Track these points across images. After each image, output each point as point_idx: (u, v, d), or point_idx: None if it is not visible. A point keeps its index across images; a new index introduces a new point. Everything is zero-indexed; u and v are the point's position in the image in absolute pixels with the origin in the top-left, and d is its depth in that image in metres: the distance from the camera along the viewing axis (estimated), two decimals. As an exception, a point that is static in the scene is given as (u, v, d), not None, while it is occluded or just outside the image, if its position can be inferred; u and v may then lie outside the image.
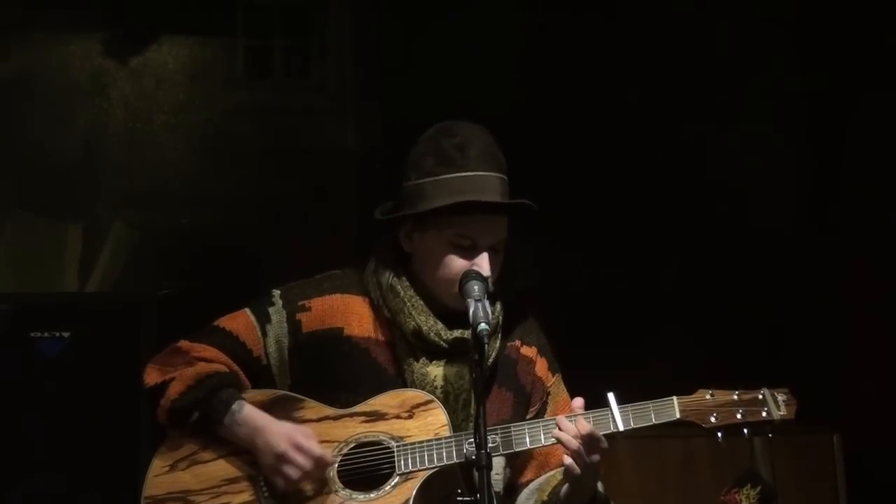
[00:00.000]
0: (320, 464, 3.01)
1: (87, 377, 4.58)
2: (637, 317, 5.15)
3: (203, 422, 3.09)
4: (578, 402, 3.04)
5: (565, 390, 3.26)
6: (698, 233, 5.26)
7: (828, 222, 5.39)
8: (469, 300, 2.94)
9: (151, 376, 3.13)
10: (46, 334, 4.59)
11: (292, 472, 3.02)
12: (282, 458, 3.02)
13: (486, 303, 2.95)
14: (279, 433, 3.04)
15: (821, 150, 5.42)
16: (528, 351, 3.23)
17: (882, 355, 5.08)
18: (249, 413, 3.08)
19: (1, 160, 5.19)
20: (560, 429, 2.98)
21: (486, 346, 2.88)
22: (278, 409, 3.09)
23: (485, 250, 3.08)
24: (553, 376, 3.26)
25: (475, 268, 3.06)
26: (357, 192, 5.20)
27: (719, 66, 5.28)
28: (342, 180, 5.33)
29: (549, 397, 3.23)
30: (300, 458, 3.01)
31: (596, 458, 2.97)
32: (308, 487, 3.04)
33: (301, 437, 3.03)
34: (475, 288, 2.96)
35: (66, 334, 4.61)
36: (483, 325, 2.86)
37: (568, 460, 2.98)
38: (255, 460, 3.08)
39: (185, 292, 4.88)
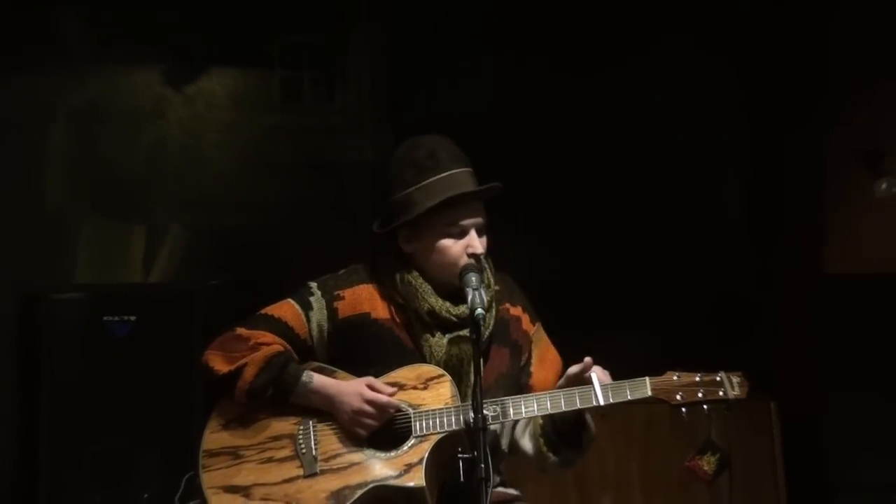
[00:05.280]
0: (389, 406, 3.22)
1: (150, 354, 4.85)
2: (604, 312, 5.33)
3: (277, 395, 3.27)
4: (588, 360, 3.23)
5: (545, 336, 3.45)
6: (650, 228, 5.46)
7: (766, 222, 5.60)
8: (468, 289, 3.15)
9: (218, 363, 3.27)
10: (116, 318, 4.87)
11: (370, 422, 3.23)
12: (359, 413, 3.21)
13: (483, 290, 3.17)
14: (349, 392, 3.22)
15: (764, 150, 5.57)
16: (515, 310, 3.43)
17: (809, 336, 5.39)
18: (319, 381, 3.26)
19: (79, 173, 5.31)
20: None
21: (481, 326, 3.11)
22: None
23: (472, 232, 3.31)
24: (534, 325, 3.45)
25: (470, 249, 3.27)
26: (372, 199, 5.26)
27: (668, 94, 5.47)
28: (360, 188, 5.49)
29: (533, 344, 3.43)
30: (372, 410, 3.21)
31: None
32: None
33: (367, 390, 3.22)
34: (473, 279, 3.18)
35: (132, 318, 4.88)
36: (480, 311, 3.07)
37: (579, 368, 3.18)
38: (295, 422, 3.26)
39: (229, 283, 5.06)
